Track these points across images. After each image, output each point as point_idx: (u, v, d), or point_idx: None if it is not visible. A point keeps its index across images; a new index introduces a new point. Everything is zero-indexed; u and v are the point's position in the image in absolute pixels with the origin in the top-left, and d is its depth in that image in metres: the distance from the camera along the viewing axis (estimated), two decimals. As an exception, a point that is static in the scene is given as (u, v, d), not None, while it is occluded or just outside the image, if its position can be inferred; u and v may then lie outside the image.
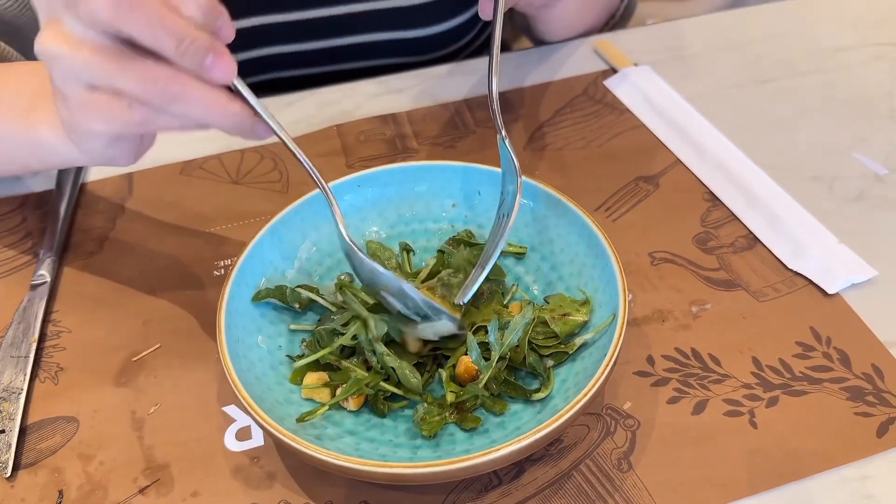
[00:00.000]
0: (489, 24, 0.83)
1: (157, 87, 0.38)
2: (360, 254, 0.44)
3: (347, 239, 0.44)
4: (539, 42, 0.79)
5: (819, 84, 0.70)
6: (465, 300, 0.47)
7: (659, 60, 0.73)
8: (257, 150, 0.66)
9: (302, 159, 0.44)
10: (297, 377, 0.46)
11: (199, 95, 0.38)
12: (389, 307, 0.46)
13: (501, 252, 0.51)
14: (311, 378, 0.45)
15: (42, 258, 0.56)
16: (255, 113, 0.41)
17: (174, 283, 0.55)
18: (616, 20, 0.80)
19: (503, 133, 0.50)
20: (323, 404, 0.44)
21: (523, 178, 0.49)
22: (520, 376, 0.46)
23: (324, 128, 0.68)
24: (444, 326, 0.45)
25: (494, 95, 0.51)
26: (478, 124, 0.67)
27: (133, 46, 0.37)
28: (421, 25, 0.74)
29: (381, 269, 0.44)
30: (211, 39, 0.38)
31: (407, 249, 0.53)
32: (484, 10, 0.54)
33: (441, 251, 0.52)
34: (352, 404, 0.45)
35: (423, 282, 0.50)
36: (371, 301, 0.47)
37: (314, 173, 0.45)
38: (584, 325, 0.47)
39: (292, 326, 0.49)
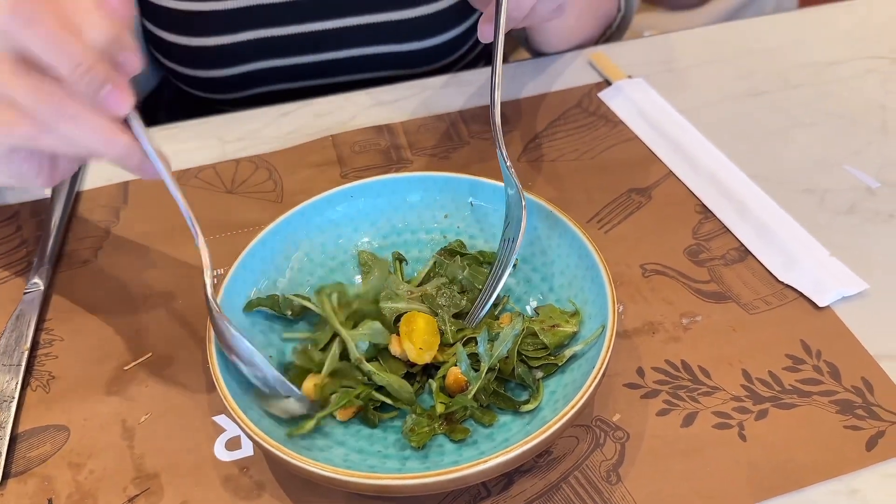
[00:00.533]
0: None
1: (47, 102, 0.38)
2: (220, 321, 0.43)
3: (212, 301, 0.44)
4: (536, 53, 0.80)
5: (811, 97, 0.70)
6: (476, 322, 0.48)
7: (653, 73, 0.73)
8: (252, 160, 0.66)
9: (182, 206, 0.45)
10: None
11: (88, 119, 0.38)
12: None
13: (492, 262, 0.52)
14: (309, 384, 0.45)
15: (36, 266, 0.56)
16: (147, 156, 0.41)
17: (167, 293, 0.55)
18: (612, 31, 0.81)
19: (507, 161, 0.51)
20: (311, 418, 0.44)
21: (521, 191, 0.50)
22: (509, 388, 0.47)
23: (319, 138, 0.68)
24: (291, 406, 0.44)
25: (498, 126, 0.52)
26: (472, 136, 0.67)
27: (36, 66, 0.38)
28: (415, 39, 0.75)
29: (236, 334, 0.43)
30: (108, 70, 0.38)
31: (399, 259, 0.53)
32: (484, 34, 0.54)
33: (434, 261, 0.52)
34: (341, 415, 0.45)
35: (417, 286, 0.50)
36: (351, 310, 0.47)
37: (193, 225, 0.45)
38: (573, 336, 0.47)
39: (285, 335, 0.49)
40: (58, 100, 0.38)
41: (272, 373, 0.43)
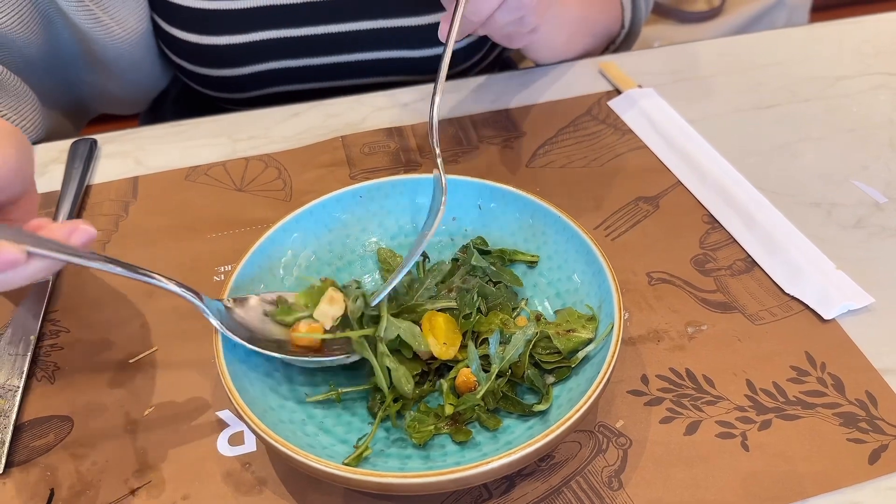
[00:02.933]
0: (495, 45, 0.84)
1: None
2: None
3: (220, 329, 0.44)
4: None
5: (820, 111, 0.70)
6: (375, 303, 0.46)
7: (663, 83, 0.73)
8: (261, 158, 0.66)
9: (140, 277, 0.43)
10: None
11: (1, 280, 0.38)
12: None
13: (516, 259, 0.52)
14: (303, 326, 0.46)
15: (44, 258, 0.56)
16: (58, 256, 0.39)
17: (174, 287, 0.55)
18: (616, 45, 0.81)
19: (437, 151, 0.53)
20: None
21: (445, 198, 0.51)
22: (520, 391, 0.46)
23: (329, 138, 0.68)
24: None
25: (434, 118, 0.53)
26: (482, 140, 0.68)
27: None
28: (428, 45, 0.75)
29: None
30: None
31: (423, 256, 0.53)
32: (441, 31, 0.55)
33: (455, 259, 0.52)
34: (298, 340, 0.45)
35: (438, 284, 0.50)
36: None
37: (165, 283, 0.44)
38: (588, 342, 0.47)
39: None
40: None
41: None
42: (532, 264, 0.52)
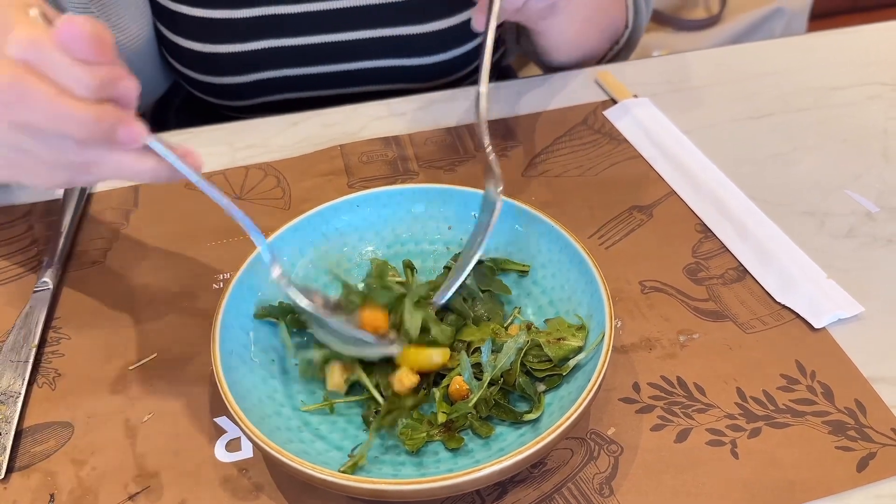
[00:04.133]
0: (493, 53, 0.85)
1: (70, 158, 0.40)
2: (296, 296, 0.46)
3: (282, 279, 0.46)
4: (545, 68, 0.81)
5: (814, 121, 0.71)
6: (441, 302, 0.48)
7: (658, 93, 0.74)
8: (261, 167, 0.67)
9: (227, 205, 0.45)
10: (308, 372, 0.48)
11: (110, 160, 0.41)
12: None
13: (507, 268, 0.53)
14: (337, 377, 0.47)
15: (46, 266, 0.57)
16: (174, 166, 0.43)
17: (174, 295, 0.56)
18: (620, 47, 0.82)
19: (487, 142, 0.53)
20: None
21: (503, 199, 0.51)
22: (512, 398, 0.47)
23: (327, 147, 0.69)
24: (379, 350, 0.47)
25: (482, 110, 0.54)
26: (478, 149, 0.69)
27: None
28: (427, 54, 0.76)
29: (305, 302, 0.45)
30: (111, 112, 0.39)
31: (410, 267, 0.54)
32: (477, 23, 0.57)
33: (448, 267, 0.53)
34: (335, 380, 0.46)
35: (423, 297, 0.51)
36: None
37: (241, 216, 0.46)
38: (578, 350, 0.47)
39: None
40: (78, 154, 0.40)
41: (348, 331, 0.46)
42: (523, 273, 0.53)
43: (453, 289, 0.49)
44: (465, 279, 0.50)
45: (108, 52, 0.39)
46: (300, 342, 0.50)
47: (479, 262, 0.53)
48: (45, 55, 0.37)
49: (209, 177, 0.66)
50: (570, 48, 0.77)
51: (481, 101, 0.55)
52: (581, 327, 0.48)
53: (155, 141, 0.41)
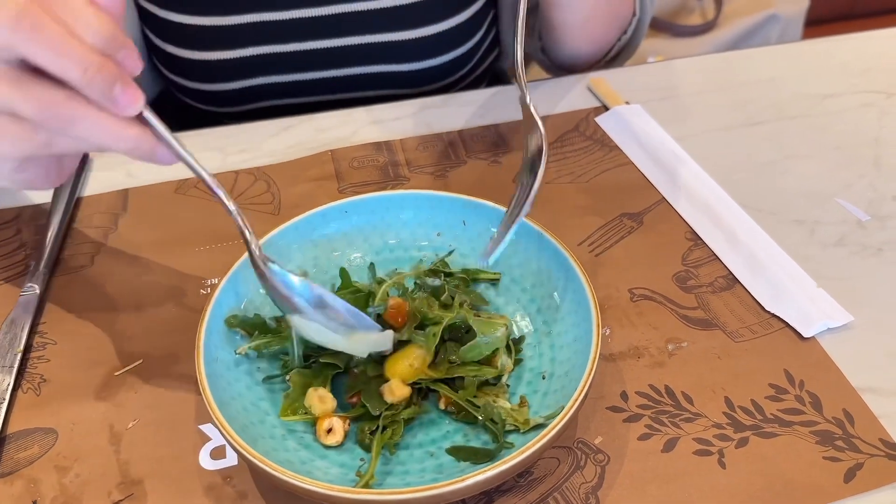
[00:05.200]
0: (484, 58, 0.85)
1: (54, 111, 0.38)
2: (270, 268, 0.44)
3: (257, 254, 0.44)
4: (547, 68, 0.81)
5: (807, 129, 0.71)
6: (491, 260, 0.48)
7: (650, 100, 0.74)
8: (251, 171, 0.67)
9: (214, 187, 0.45)
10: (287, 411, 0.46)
11: (96, 120, 0.39)
12: (309, 335, 0.45)
13: (479, 278, 0.52)
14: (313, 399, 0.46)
15: (33, 270, 0.57)
16: (160, 139, 0.41)
17: (161, 301, 0.56)
18: (627, 37, 0.80)
19: (527, 93, 0.52)
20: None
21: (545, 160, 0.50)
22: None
23: (318, 152, 0.69)
24: (377, 339, 0.46)
25: (519, 57, 0.54)
26: (470, 155, 0.68)
27: (34, 70, 0.38)
28: (416, 59, 0.76)
29: (293, 278, 0.44)
30: (118, 69, 0.39)
31: (378, 281, 0.52)
32: None
33: (435, 270, 0.53)
34: (334, 437, 0.45)
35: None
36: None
37: (227, 201, 0.45)
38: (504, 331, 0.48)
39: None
40: (64, 106, 0.38)
41: (344, 305, 0.44)
42: (494, 282, 0.53)
43: (502, 246, 0.48)
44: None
45: (120, 5, 0.39)
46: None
47: (450, 275, 0.53)
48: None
49: (197, 182, 0.66)
50: (581, 30, 0.75)
51: (519, 54, 0.53)
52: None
53: (148, 112, 0.41)
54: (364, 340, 0.45)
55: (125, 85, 0.39)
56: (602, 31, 0.77)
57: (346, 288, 0.51)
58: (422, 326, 0.48)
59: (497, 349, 0.47)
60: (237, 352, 0.48)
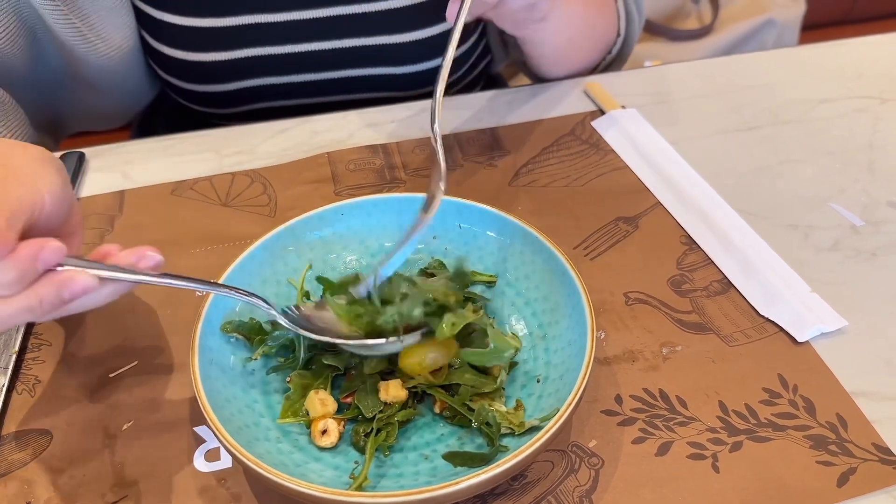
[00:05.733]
0: (478, 62, 0.85)
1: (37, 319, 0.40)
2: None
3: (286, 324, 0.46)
4: (535, 78, 0.81)
5: (801, 134, 0.71)
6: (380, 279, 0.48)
7: (646, 104, 0.74)
8: (248, 174, 0.67)
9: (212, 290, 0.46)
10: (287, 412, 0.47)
11: (75, 306, 0.41)
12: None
13: (475, 280, 0.53)
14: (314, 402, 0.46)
15: (28, 271, 0.57)
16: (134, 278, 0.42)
17: (156, 302, 0.56)
18: (612, 56, 0.81)
19: (436, 128, 0.52)
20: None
21: (442, 196, 0.50)
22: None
23: (315, 155, 0.69)
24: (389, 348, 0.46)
25: (438, 106, 0.53)
26: (466, 159, 0.69)
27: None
28: (411, 62, 0.76)
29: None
30: (54, 284, 0.39)
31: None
32: (449, 13, 0.55)
33: (425, 270, 0.53)
34: (329, 438, 0.45)
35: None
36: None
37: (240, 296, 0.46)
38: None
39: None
40: (42, 317, 0.40)
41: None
42: (490, 284, 0.53)
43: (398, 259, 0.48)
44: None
45: (5, 242, 0.38)
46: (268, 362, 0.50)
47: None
48: None
49: (194, 184, 0.66)
50: (558, 60, 0.76)
51: (438, 87, 0.53)
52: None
53: (106, 274, 0.41)
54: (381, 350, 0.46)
55: (69, 284, 0.39)
56: (581, 58, 0.78)
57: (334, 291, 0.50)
58: (437, 311, 0.46)
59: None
60: (252, 358, 0.48)
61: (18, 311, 0.39)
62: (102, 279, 0.41)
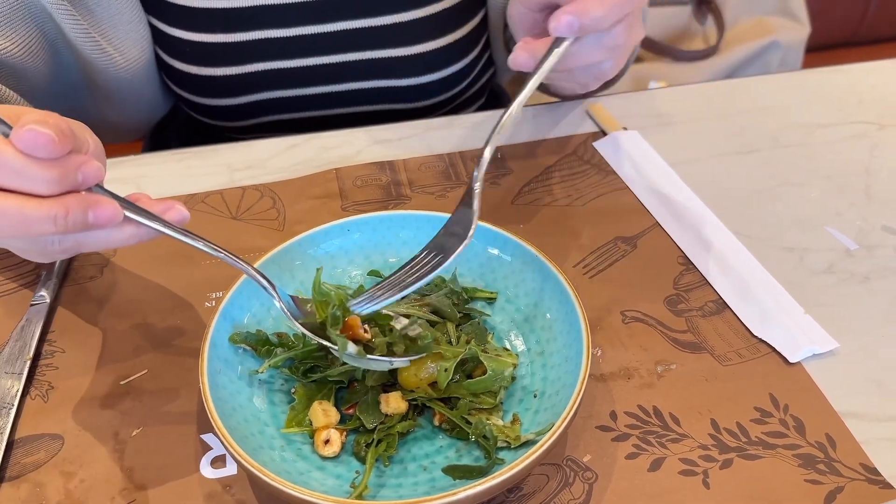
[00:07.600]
0: (482, 74, 0.87)
1: (55, 247, 0.43)
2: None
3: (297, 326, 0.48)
4: (548, 93, 0.82)
5: (800, 157, 0.73)
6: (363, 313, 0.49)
7: (647, 126, 0.76)
8: (258, 188, 0.69)
9: (223, 256, 0.47)
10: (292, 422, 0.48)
11: (91, 240, 0.43)
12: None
13: (476, 296, 0.54)
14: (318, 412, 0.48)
15: (44, 279, 0.59)
16: (153, 224, 0.44)
17: (166, 312, 0.58)
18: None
19: (479, 184, 0.52)
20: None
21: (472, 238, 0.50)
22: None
23: (323, 170, 0.71)
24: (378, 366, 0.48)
25: (488, 150, 0.54)
26: (470, 176, 0.70)
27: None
28: (416, 75, 0.78)
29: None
30: (82, 201, 0.40)
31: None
32: (517, 61, 0.53)
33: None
34: (331, 448, 0.47)
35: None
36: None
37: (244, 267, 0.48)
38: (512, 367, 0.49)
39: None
40: (60, 243, 0.42)
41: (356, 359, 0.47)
42: (490, 300, 0.55)
43: (381, 305, 0.49)
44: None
45: (67, 143, 0.40)
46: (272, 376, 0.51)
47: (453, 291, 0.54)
48: (2, 165, 0.39)
49: (205, 197, 0.68)
50: (555, 85, 0.77)
51: (490, 143, 0.54)
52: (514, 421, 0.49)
53: (131, 213, 0.43)
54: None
55: (96, 207, 0.41)
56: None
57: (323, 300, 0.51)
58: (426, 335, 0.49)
59: None
60: (258, 371, 0.49)
61: (44, 217, 0.39)
62: (127, 218, 0.43)
